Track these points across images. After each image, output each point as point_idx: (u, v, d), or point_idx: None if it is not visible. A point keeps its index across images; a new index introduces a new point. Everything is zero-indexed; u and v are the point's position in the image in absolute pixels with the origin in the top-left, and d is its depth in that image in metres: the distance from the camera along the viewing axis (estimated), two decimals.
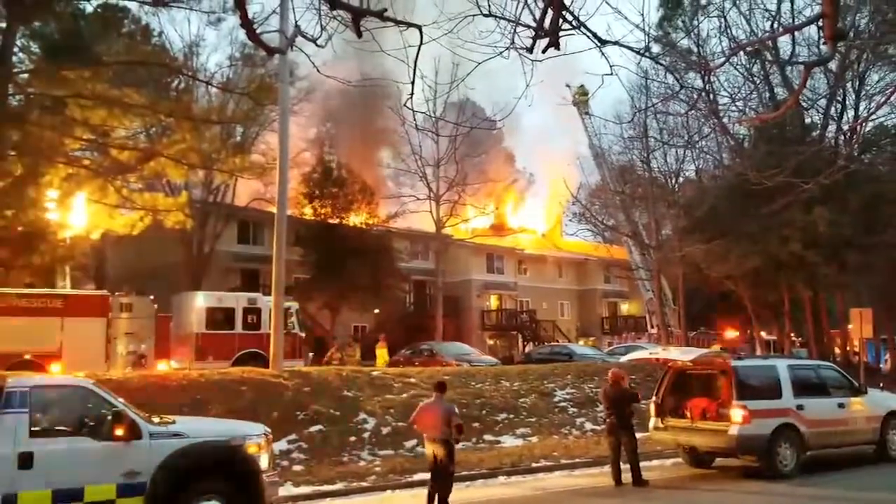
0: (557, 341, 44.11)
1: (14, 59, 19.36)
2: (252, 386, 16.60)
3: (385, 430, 16.28)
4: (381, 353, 29.32)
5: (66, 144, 20.08)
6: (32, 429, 8.08)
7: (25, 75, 19.80)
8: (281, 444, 14.33)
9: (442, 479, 10.68)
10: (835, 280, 28.66)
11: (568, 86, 42.48)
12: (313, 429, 15.69)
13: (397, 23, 4.76)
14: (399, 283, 40.44)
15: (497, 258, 50.57)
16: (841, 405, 14.09)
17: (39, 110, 19.55)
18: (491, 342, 47.16)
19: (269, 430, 10.11)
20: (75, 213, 20.76)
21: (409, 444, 15.81)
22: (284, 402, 16.27)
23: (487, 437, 17.27)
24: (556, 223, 57.46)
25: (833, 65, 25.86)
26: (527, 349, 43.48)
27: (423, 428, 10.99)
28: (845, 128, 29.96)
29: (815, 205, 24.65)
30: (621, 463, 12.79)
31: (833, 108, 29.94)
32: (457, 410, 11.34)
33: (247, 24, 4.33)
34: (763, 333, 37.45)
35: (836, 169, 20.45)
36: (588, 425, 18.81)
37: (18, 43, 19.48)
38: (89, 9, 20.26)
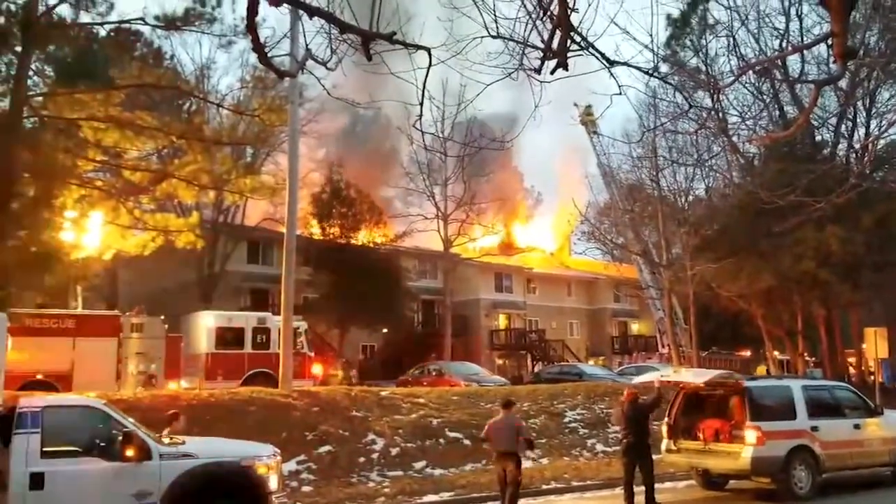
0: (567, 361, 43.89)
1: (29, 82, 19.59)
2: (261, 406, 16.57)
3: (394, 452, 16.20)
4: None
5: (79, 166, 20.25)
6: (44, 449, 8.10)
7: (40, 98, 20.02)
8: (290, 465, 14.28)
9: (510, 491, 11.17)
10: (849, 298, 28.44)
11: (576, 104, 42.56)
12: (322, 449, 15.63)
13: (406, 46, 4.80)
14: (407, 302, 40.42)
15: (505, 277, 50.49)
16: (857, 426, 13.92)
17: (53, 132, 19.75)
18: (500, 362, 46.96)
19: (278, 450, 10.09)
20: (88, 233, 20.90)
21: (419, 465, 15.74)
22: (293, 422, 16.22)
23: None
24: (564, 242, 57.37)
25: (843, 83, 25.83)
26: (536, 369, 43.25)
27: (495, 444, 11.48)
28: (857, 146, 29.89)
29: (827, 223, 24.53)
30: (634, 485, 12.63)
31: (844, 126, 29.88)
32: (525, 425, 12.05)
33: (259, 48, 4.38)
34: (776, 353, 37.13)
35: (848, 187, 20.35)
36: (599, 447, 18.65)
37: (33, 66, 19.72)
38: (103, 32, 20.51)
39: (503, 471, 11.28)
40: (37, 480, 7.87)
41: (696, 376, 15.13)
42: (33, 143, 19.00)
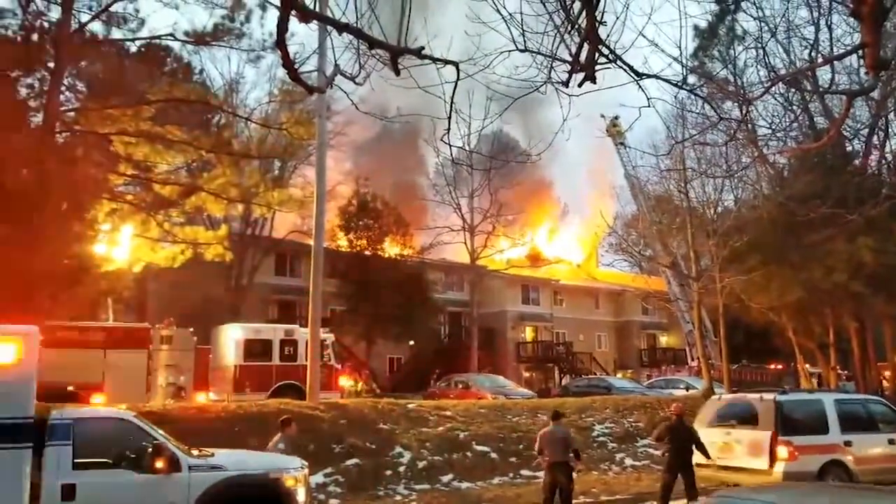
0: (595, 374, 43.54)
1: (61, 97, 19.95)
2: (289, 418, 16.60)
3: (421, 465, 16.17)
4: None
5: (110, 180, 20.54)
6: (75, 461, 8.19)
7: (72, 113, 20.37)
8: (317, 478, 14.31)
9: (563, 500, 11.78)
10: (882, 311, 27.90)
11: (602, 116, 42.36)
12: (349, 462, 15.65)
13: (434, 60, 4.82)
14: (433, 314, 40.40)
15: (532, 289, 50.27)
16: (891, 441, 13.65)
17: (85, 147, 20.07)
18: (527, 374, 46.71)
19: (305, 463, 10.11)
20: (118, 246, 21.18)
21: (446, 478, 15.68)
22: (321, 434, 16.26)
23: (524, 472, 17.02)
24: (592, 253, 57.01)
25: (875, 93, 25.45)
26: (563, 382, 42.96)
27: (549, 455, 11.96)
28: (889, 157, 29.39)
29: (859, 235, 24.14)
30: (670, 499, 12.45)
31: (876, 137, 29.42)
32: (573, 436, 12.89)
33: (288, 64, 4.42)
34: (808, 366, 36.53)
35: (881, 199, 20.02)
36: (628, 461, 18.46)
37: (66, 82, 20.09)
38: (133, 48, 20.83)
39: (553, 481, 11.78)
40: (68, 492, 7.96)
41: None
42: (66, 157, 19.31)
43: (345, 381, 27.69)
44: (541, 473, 16.94)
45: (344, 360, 32.98)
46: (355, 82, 5.25)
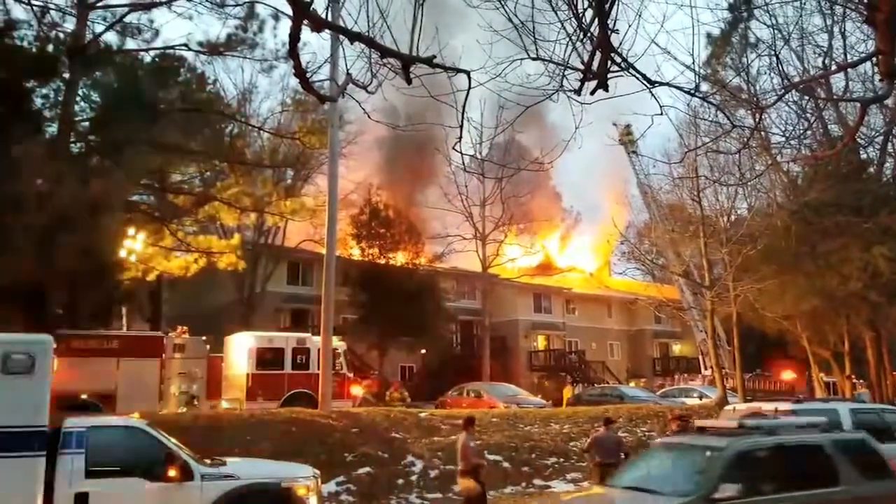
0: (607, 382, 43.32)
1: (76, 107, 20.12)
2: (301, 427, 16.63)
3: (433, 473, 16.11)
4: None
5: (124, 189, 20.67)
6: (89, 469, 8.22)
7: (86, 123, 20.54)
8: (329, 486, 14.29)
9: None
10: None
11: (615, 124, 42.30)
12: (361, 471, 15.62)
13: (446, 69, 4.82)
14: (445, 323, 40.35)
15: (544, 298, 50.14)
16: None
17: (99, 157, 20.23)
18: (539, 383, 46.54)
19: (317, 471, 10.10)
20: (133, 256, 21.30)
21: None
22: (333, 443, 16.25)
23: (537, 481, 16.95)
24: (604, 262, 56.87)
25: (890, 101, 25.27)
26: (576, 390, 42.80)
27: (601, 455, 12.89)
28: None
29: (875, 243, 23.95)
30: None
31: (890, 145, 29.20)
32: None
33: (300, 73, 4.44)
34: (822, 375, 36.22)
35: None
36: None
37: (80, 92, 20.27)
38: (147, 58, 21.01)
39: (602, 479, 12.21)
40: (81, 500, 7.98)
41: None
42: (80, 167, 19.47)
43: (357, 390, 27.64)
44: (553, 483, 16.98)
45: (368, 371, 33.01)
46: (367, 91, 5.27)
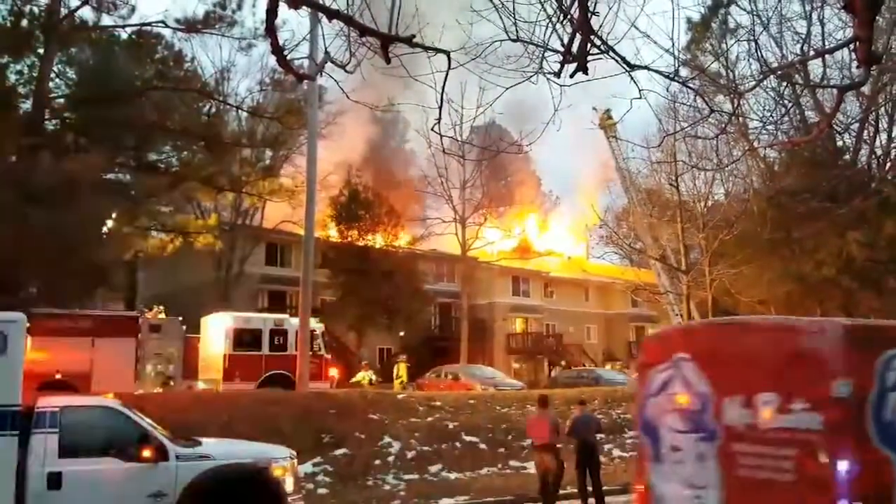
0: (584, 365, 43.66)
1: (50, 84, 19.80)
2: (278, 408, 16.61)
3: (410, 454, 16.19)
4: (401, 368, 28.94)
5: (100, 167, 20.41)
6: (62, 449, 8.15)
7: (61, 100, 20.24)
8: (306, 467, 14.30)
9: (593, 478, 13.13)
10: (871, 305, 28.04)
11: (594, 108, 42.25)
12: (338, 452, 15.66)
13: (426, 48, 4.78)
14: (424, 305, 40.40)
15: (523, 281, 50.33)
16: None
17: (74, 134, 19.96)
18: (516, 366, 46.83)
19: (294, 452, 10.10)
20: (108, 234, 21.07)
21: (434, 468, 15.71)
22: (310, 424, 16.25)
23: (513, 462, 17.07)
24: (585, 246, 57.06)
25: (866, 88, 25.49)
26: (553, 373, 43.10)
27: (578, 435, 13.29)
28: (878, 152, 29.48)
29: (849, 229, 24.24)
30: None
31: (866, 132, 29.48)
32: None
33: (277, 51, 4.37)
34: None
35: (870, 193, 20.09)
36: (616, 452, 18.52)
37: (55, 69, 19.95)
38: (124, 35, 20.70)
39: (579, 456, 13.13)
40: (55, 480, 7.92)
41: None
42: (55, 144, 19.19)
43: (361, 375, 27.80)
44: (529, 464, 17.12)
45: (343, 353, 32.96)
46: (346, 70, 5.20)
